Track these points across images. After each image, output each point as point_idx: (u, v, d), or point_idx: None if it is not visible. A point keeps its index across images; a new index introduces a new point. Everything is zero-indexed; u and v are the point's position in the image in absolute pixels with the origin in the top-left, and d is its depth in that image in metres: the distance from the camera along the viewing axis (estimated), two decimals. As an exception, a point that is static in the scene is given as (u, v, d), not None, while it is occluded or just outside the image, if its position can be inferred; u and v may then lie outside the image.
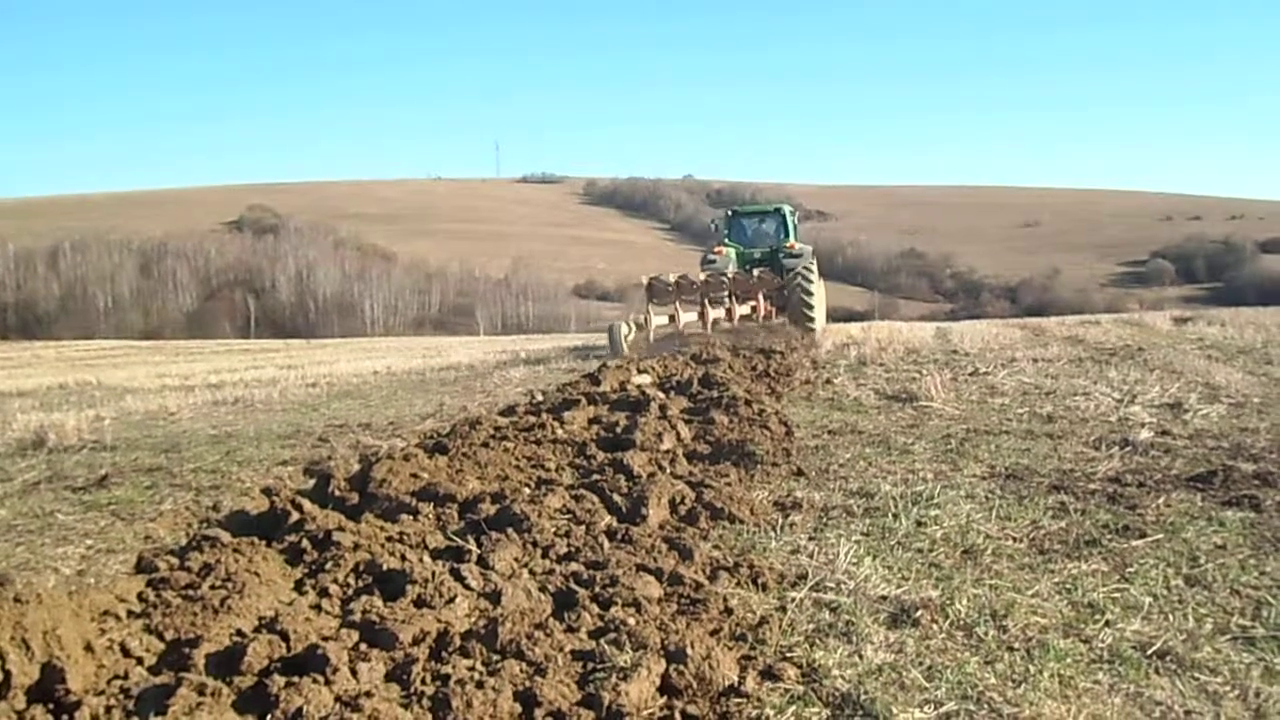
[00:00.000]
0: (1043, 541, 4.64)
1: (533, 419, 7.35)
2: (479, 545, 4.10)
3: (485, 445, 6.37)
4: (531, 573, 3.86)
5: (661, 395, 8.39)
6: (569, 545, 4.20)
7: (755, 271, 19.52)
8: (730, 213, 23.36)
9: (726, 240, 21.74)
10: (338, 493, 5.31)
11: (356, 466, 6.98)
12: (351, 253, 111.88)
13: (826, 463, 6.49)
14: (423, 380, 14.49)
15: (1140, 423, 7.69)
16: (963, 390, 9.71)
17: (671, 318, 17.65)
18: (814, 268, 19.62)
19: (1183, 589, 4.03)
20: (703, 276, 18.81)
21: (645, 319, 17.55)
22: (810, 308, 19.02)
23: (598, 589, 3.64)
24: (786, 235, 21.90)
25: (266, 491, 6.33)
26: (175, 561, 3.94)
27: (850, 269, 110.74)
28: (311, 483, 6.43)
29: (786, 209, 23.09)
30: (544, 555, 4.10)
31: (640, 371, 10.22)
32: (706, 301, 17.95)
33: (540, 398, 9.00)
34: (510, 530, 4.26)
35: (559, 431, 7.02)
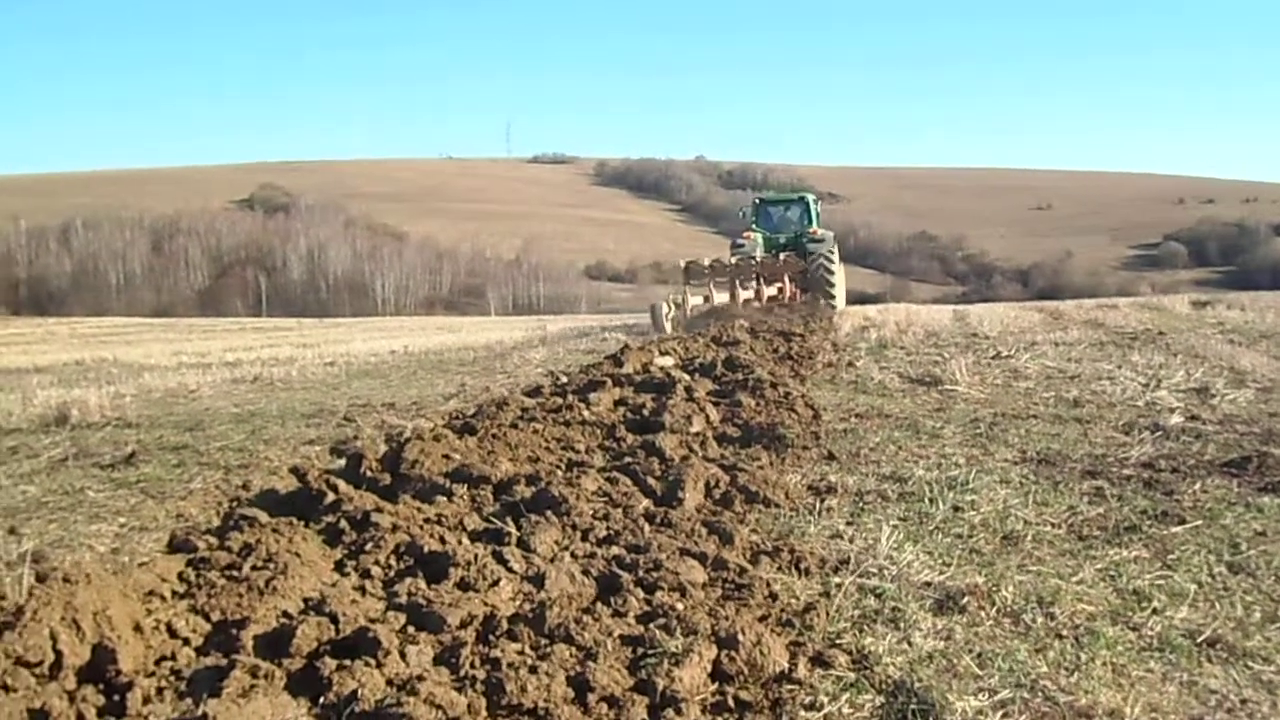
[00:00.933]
0: (1082, 528, 4.61)
1: (559, 400, 7.31)
2: (518, 528, 4.08)
3: (514, 426, 6.35)
4: (573, 556, 3.84)
5: (686, 377, 8.35)
6: (608, 528, 4.17)
7: (781, 256, 20.88)
8: (758, 200, 25.12)
9: (754, 226, 23.12)
10: (370, 473, 5.28)
11: (384, 446, 6.98)
12: (362, 232, 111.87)
13: (856, 446, 6.44)
14: (441, 360, 14.47)
15: (1169, 407, 7.64)
16: (986, 374, 9.64)
17: (706, 297, 18.93)
18: (835, 253, 21.21)
19: (1227, 576, 4.00)
20: (734, 260, 20.10)
21: (683, 298, 18.63)
22: (832, 289, 20.52)
23: (641, 573, 3.62)
24: (810, 222, 23.41)
25: (296, 471, 6.33)
26: (214, 541, 3.92)
27: (862, 251, 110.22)
28: (341, 462, 6.43)
29: (810, 198, 24.62)
30: (583, 538, 4.07)
31: (662, 353, 10.18)
32: (737, 283, 19.29)
33: (565, 379, 8.96)
34: (549, 513, 4.23)
35: (586, 413, 6.99)
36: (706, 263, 19.79)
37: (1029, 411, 7.63)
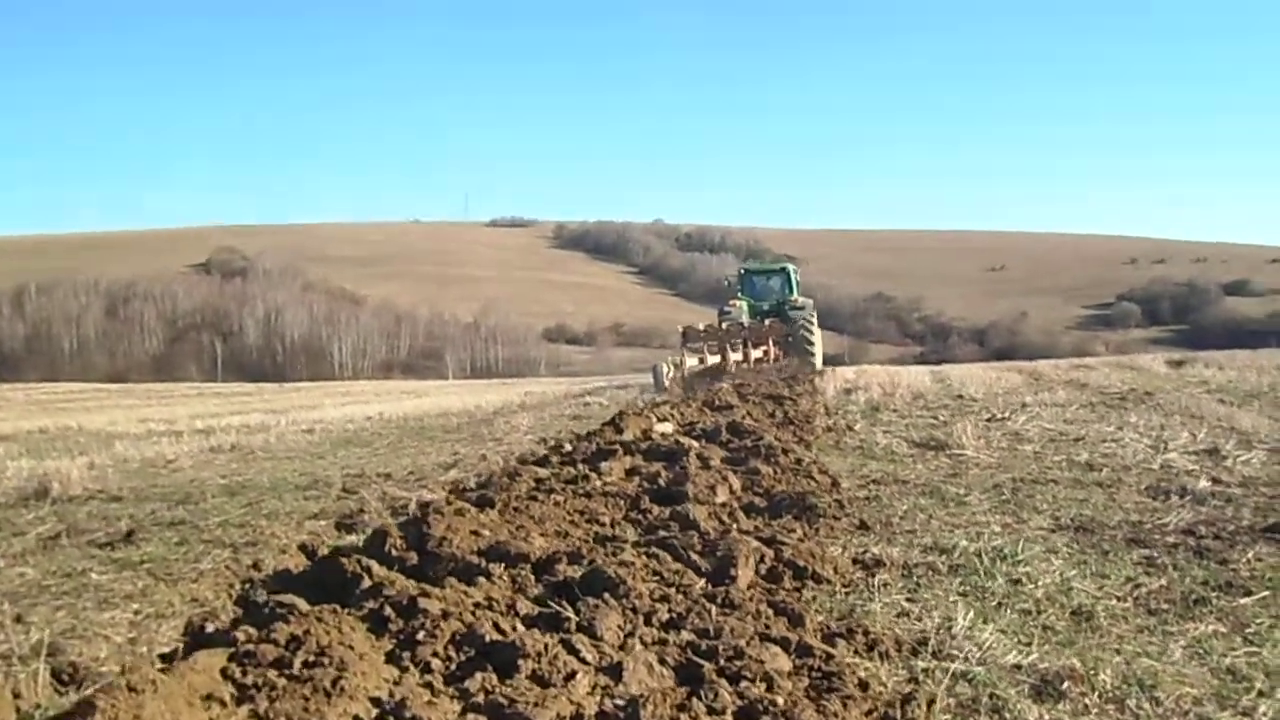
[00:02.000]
0: (1148, 601, 4.45)
1: (572, 470, 7.09)
2: (575, 611, 3.83)
3: (532, 498, 6.11)
4: (643, 643, 3.60)
5: (696, 444, 8.17)
6: (670, 611, 3.93)
7: (766, 321, 23.22)
8: (743, 271, 28.18)
9: (740, 294, 25.56)
10: (395, 552, 5.00)
11: (391, 520, 6.71)
12: (320, 295, 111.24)
13: (886, 515, 6.28)
14: (423, 427, 14.17)
15: (1186, 470, 7.58)
16: (989, 437, 9.55)
17: (701, 359, 20.67)
18: (814, 318, 23.97)
19: (1315, 653, 3.85)
20: (724, 325, 22.32)
21: (681, 359, 20.39)
22: (812, 351, 22.91)
23: (722, 662, 3.39)
24: (790, 290, 26.23)
25: (305, 549, 6.06)
26: (254, 632, 3.63)
27: (820, 312, 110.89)
28: (352, 539, 6.15)
29: (790, 268, 27.72)
30: (646, 622, 3.83)
31: (660, 419, 10.00)
32: (728, 346, 21.07)
33: (569, 447, 8.73)
34: (607, 595, 3.99)
35: (601, 483, 6.77)
36: (701, 327, 21.98)
37: (1047, 476, 7.52)
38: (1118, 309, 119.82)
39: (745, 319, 23.44)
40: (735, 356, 21.00)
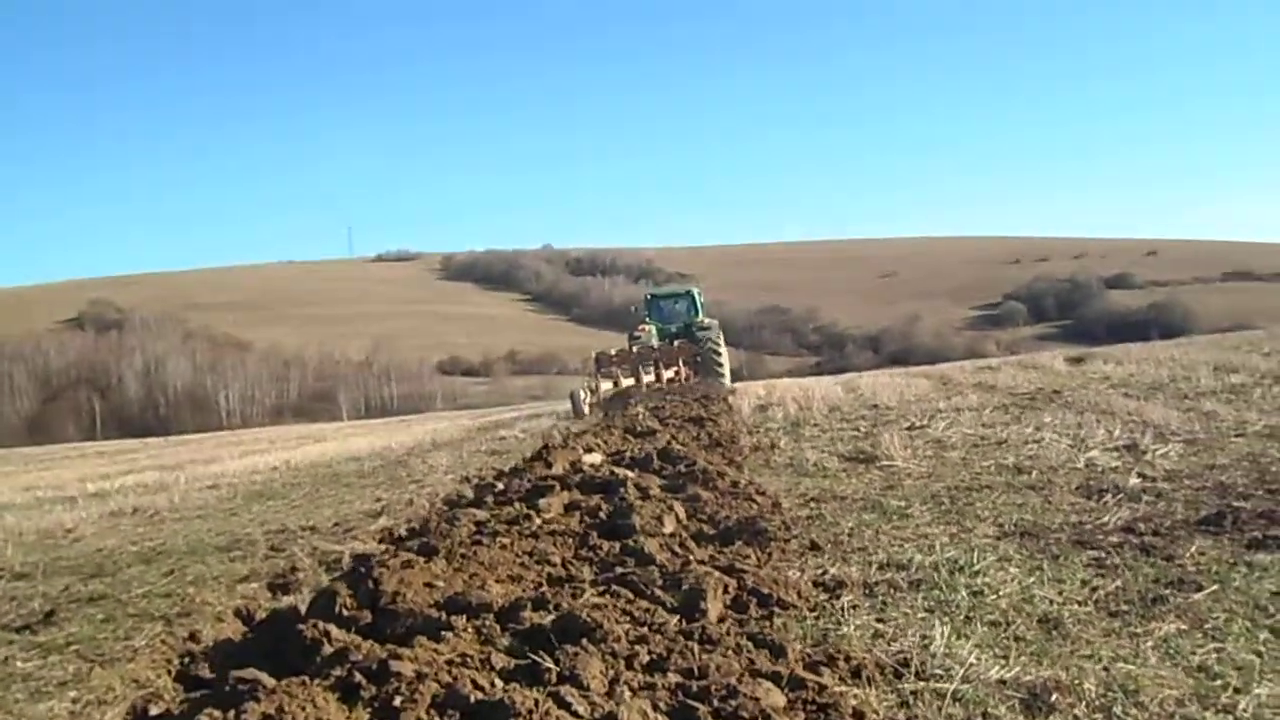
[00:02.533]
0: (1108, 603, 4.52)
1: (511, 510, 6.93)
2: (555, 661, 3.71)
3: (477, 543, 5.94)
4: (630, 689, 3.50)
5: (631, 474, 8.08)
6: (650, 652, 3.84)
7: (675, 343, 24.25)
8: (649, 296, 29.34)
9: (648, 319, 26.52)
10: (346, 611, 4.79)
11: (326, 577, 6.46)
12: (203, 344, 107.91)
13: (833, 533, 6.29)
14: (335, 474, 13.76)
15: (1111, 467, 7.79)
16: (914, 447, 9.69)
17: (615, 382, 21.62)
18: (721, 338, 24.65)
19: (1276, 643, 3.95)
20: (635, 349, 23.20)
21: (596, 384, 21.37)
22: (721, 369, 23.62)
23: (716, 702, 3.31)
24: (696, 312, 27.04)
25: (241, 614, 5.78)
26: (221, 714, 3.41)
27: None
28: (289, 600, 5.89)
29: (695, 291, 28.51)
30: (629, 666, 3.73)
31: (586, 450, 9.89)
32: (640, 369, 22.01)
33: (500, 485, 8.55)
34: (585, 641, 3.87)
35: (541, 522, 6.64)
36: (613, 352, 22.99)
37: (979, 482, 7.64)
38: (1005, 308, 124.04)
39: (655, 342, 24.38)
40: (648, 378, 21.80)
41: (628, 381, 21.66)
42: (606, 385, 21.41)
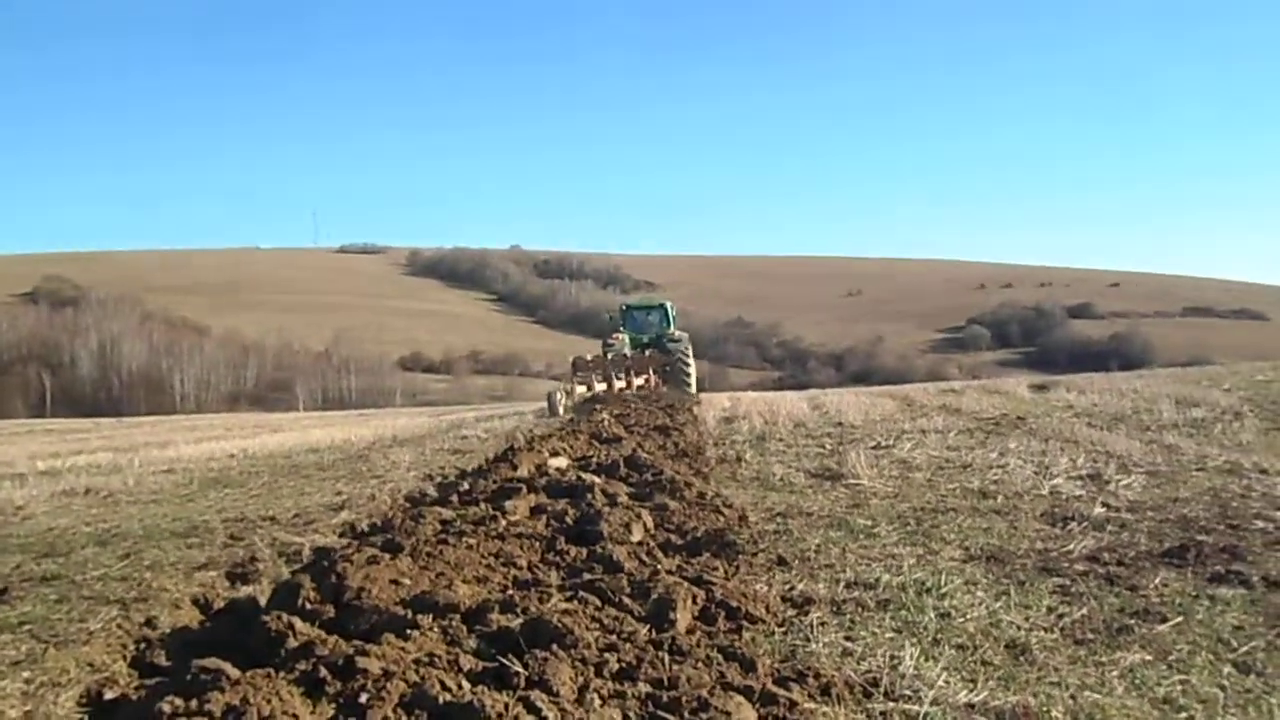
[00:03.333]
0: (1074, 631, 4.55)
1: (478, 510, 6.87)
2: (523, 665, 3.67)
3: (442, 542, 5.88)
4: (600, 697, 3.46)
5: (598, 480, 8.04)
6: (619, 660, 3.80)
7: (647, 352, 26.11)
8: (624, 307, 31.18)
9: (622, 328, 28.31)
10: (309, 605, 4.72)
11: (286, 569, 6.36)
12: (160, 326, 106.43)
13: (800, 549, 6.28)
14: (294, 464, 13.57)
15: (1075, 495, 7.85)
16: (880, 466, 9.72)
17: (589, 386, 22.87)
18: (689, 350, 26.46)
19: (1239, 678, 4.00)
20: (609, 356, 24.84)
21: (571, 388, 22.68)
22: (688, 379, 25.46)
23: (687, 714, 3.29)
24: (668, 324, 29.06)
25: (198, 603, 5.67)
26: (183, 703, 3.33)
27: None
28: (249, 589, 5.80)
29: (668, 304, 30.66)
30: (598, 673, 3.69)
31: (553, 454, 9.83)
32: (612, 375, 23.29)
33: (466, 485, 8.47)
34: (555, 646, 3.83)
35: (506, 524, 6.59)
36: (589, 358, 24.42)
37: (945, 505, 7.67)
38: (969, 332, 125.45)
39: (628, 350, 26.12)
40: (619, 384, 23.11)
41: (600, 386, 22.81)
42: (581, 389, 22.67)
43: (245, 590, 5.82)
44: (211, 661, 3.75)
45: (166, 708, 3.30)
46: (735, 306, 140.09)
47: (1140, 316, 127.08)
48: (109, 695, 4.15)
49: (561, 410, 20.74)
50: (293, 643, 3.98)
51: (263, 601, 5.21)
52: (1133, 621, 4.65)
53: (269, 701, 3.19)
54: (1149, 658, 4.20)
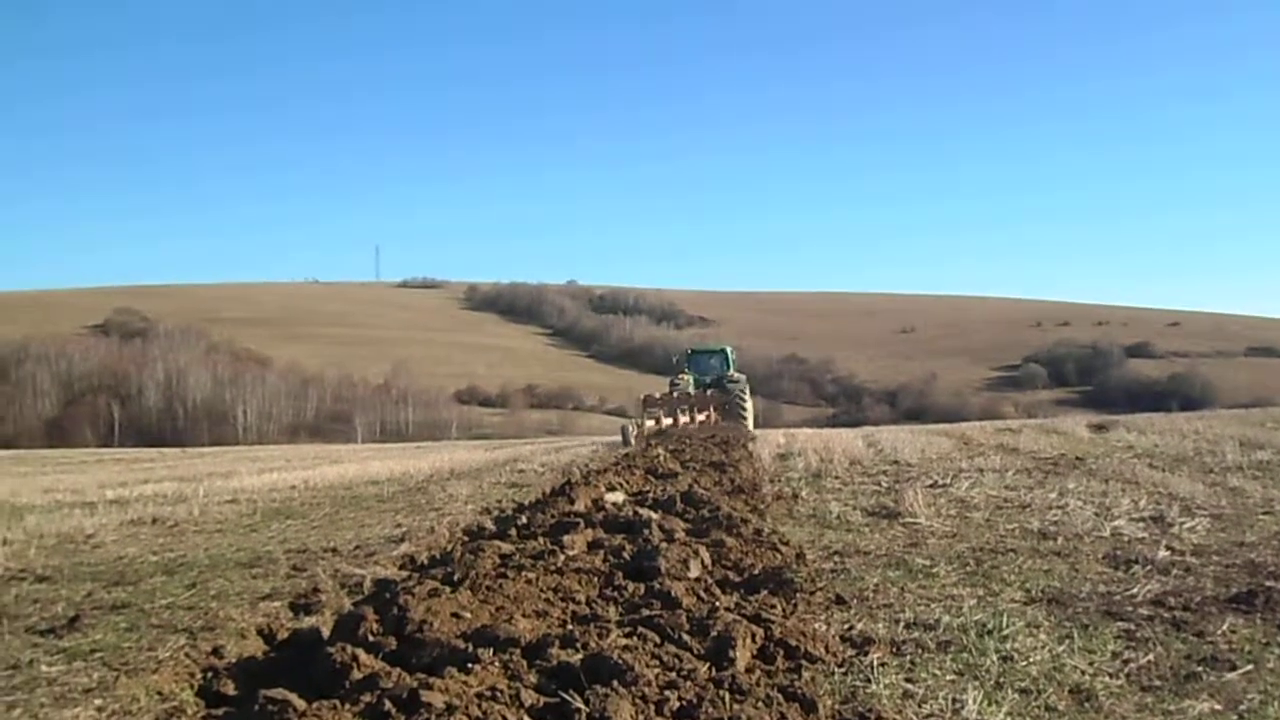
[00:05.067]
0: (1140, 677, 4.47)
1: (536, 544, 6.93)
2: (585, 702, 3.70)
3: (502, 575, 5.94)
4: (662, 735, 3.49)
5: (655, 515, 8.06)
6: (680, 699, 3.82)
7: (709, 391, 29.46)
8: (690, 351, 35.61)
9: (686, 369, 31.88)
10: (371, 636, 4.80)
11: (348, 600, 6.46)
12: (224, 357, 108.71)
13: (859, 588, 6.25)
14: (355, 496, 13.77)
15: (1138, 538, 7.72)
16: (938, 505, 9.64)
17: (657, 420, 25.40)
18: (747, 390, 30.56)
19: (1311, 729, 3.91)
20: (675, 394, 27.92)
21: (641, 422, 24.99)
22: (745, 416, 28.74)
23: (748, 754, 3.29)
24: (728, 367, 33.10)
25: (263, 633, 5.78)
26: (253, 735, 3.42)
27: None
28: (312, 620, 5.89)
29: (728, 349, 35.19)
30: (658, 711, 3.71)
31: (610, 489, 9.88)
32: (678, 411, 26.13)
33: (524, 519, 8.54)
34: (615, 682, 3.86)
35: (565, 558, 6.63)
36: (658, 396, 27.66)
37: (1004, 546, 7.59)
38: (1025, 370, 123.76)
39: (691, 389, 29.22)
40: (684, 419, 25.74)
41: (667, 421, 25.39)
42: (650, 423, 25.04)
43: (309, 621, 5.91)
44: (278, 692, 3.83)
45: (237, 737, 3.38)
46: (789, 343, 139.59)
47: (1200, 356, 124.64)
48: (182, 725, 4.26)
49: (633, 441, 22.36)
50: (357, 675, 4.05)
51: (326, 633, 5.30)
52: (1200, 669, 4.56)
53: (336, 733, 3.26)
54: (1218, 707, 4.12)
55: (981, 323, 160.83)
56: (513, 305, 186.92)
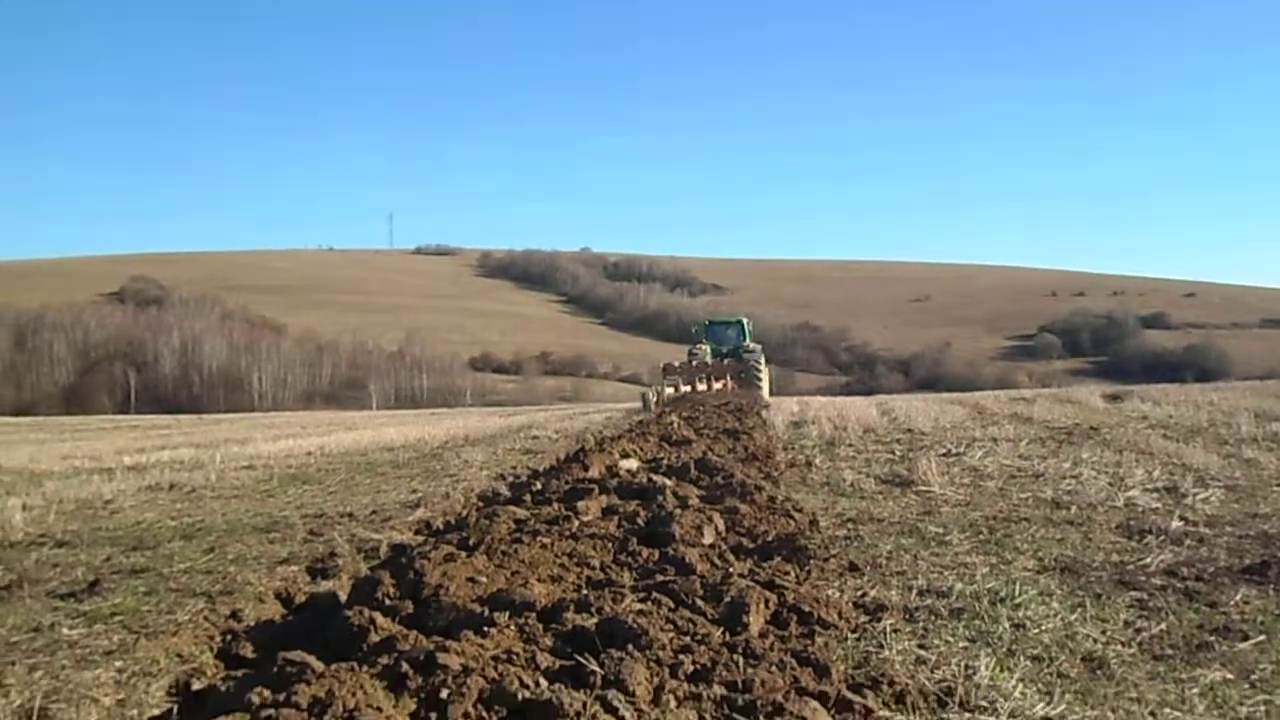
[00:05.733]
0: (1152, 646, 4.48)
1: (551, 510, 6.98)
2: (600, 665, 3.73)
3: (516, 540, 5.99)
4: (676, 698, 3.52)
5: (669, 482, 8.10)
6: (694, 662, 3.85)
7: (726, 360, 30.75)
8: (707, 322, 37.00)
9: (704, 340, 33.34)
10: (388, 600, 4.85)
11: (364, 565, 6.52)
12: (240, 325, 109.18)
13: (872, 556, 6.28)
14: (369, 462, 13.86)
15: (1151, 508, 7.72)
16: (951, 474, 9.64)
17: (676, 387, 27.01)
18: (763, 359, 31.75)
19: (1326, 698, 3.91)
20: (694, 363, 29.44)
21: (661, 389, 26.31)
22: (760, 384, 29.63)
23: (762, 718, 3.33)
24: (744, 337, 34.34)
25: (280, 596, 5.85)
26: (270, 694, 3.46)
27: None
28: (325, 584, 5.95)
29: (744, 320, 36.52)
30: (673, 675, 3.74)
31: (624, 456, 9.93)
32: (696, 379, 27.76)
33: (539, 485, 8.59)
34: (630, 646, 3.89)
35: (578, 523, 6.68)
36: (677, 364, 29.40)
37: (1018, 515, 7.60)
38: (1039, 340, 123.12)
39: (709, 358, 30.56)
40: (701, 387, 27.20)
41: (686, 388, 26.90)
42: (670, 390, 26.44)
43: (326, 585, 5.97)
44: (296, 654, 3.88)
45: (255, 699, 3.43)
46: (802, 310, 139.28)
47: (1215, 328, 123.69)
48: (197, 686, 4.32)
49: (654, 407, 23.38)
50: (374, 638, 4.10)
51: (343, 597, 5.37)
52: (1213, 639, 4.56)
53: (353, 695, 3.30)
54: (1230, 676, 4.12)
55: (996, 292, 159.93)
56: (526, 272, 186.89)
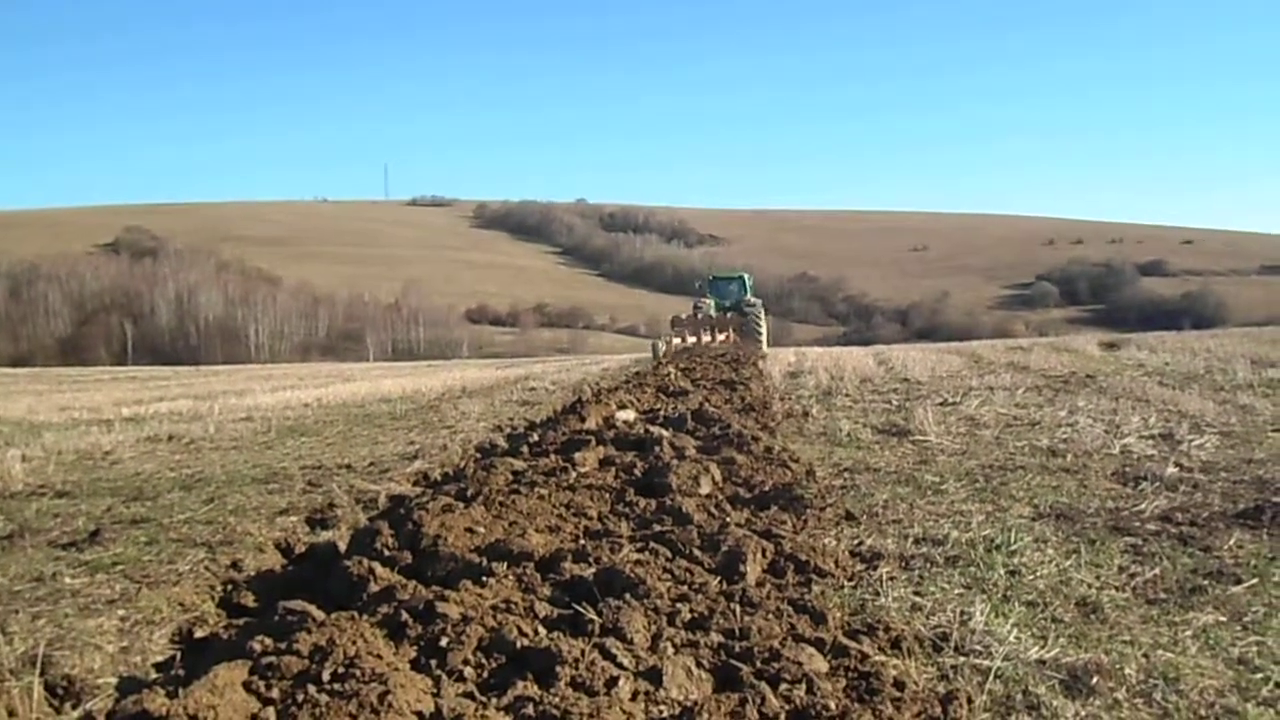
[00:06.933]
0: (1146, 590, 4.52)
1: (548, 461, 7.00)
2: (598, 613, 3.76)
3: (514, 491, 6.02)
4: (674, 645, 3.55)
5: (666, 433, 8.12)
6: (692, 610, 3.88)
7: (728, 314, 31.68)
8: (711, 277, 38.08)
9: (707, 294, 34.32)
10: (387, 550, 4.87)
11: (363, 516, 6.55)
12: (235, 276, 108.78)
13: (868, 505, 6.31)
14: (367, 414, 13.87)
15: (1146, 455, 7.75)
16: (948, 423, 9.67)
17: (683, 338, 28.58)
18: (763, 313, 32.22)
19: (1317, 640, 3.96)
20: (699, 316, 30.39)
21: (669, 340, 28.09)
22: (760, 337, 30.65)
23: (759, 664, 3.36)
24: (745, 292, 35.14)
25: (280, 546, 5.88)
26: (272, 642, 3.49)
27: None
28: (325, 535, 5.99)
29: (746, 276, 37.55)
30: (671, 623, 3.78)
31: (620, 407, 9.94)
32: (700, 331, 29.13)
33: (535, 436, 8.61)
34: (628, 595, 3.92)
35: (575, 474, 6.71)
36: (684, 317, 30.22)
37: (1014, 463, 7.63)
38: (1037, 289, 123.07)
39: (713, 312, 31.49)
40: (706, 339, 28.57)
41: (691, 339, 28.24)
42: (677, 341, 27.92)
43: (325, 535, 6.01)
44: (297, 603, 3.91)
45: (257, 646, 3.46)
46: (800, 261, 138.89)
47: (1213, 275, 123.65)
48: (199, 634, 4.36)
49: (662, 357, 24.43)
50: (374, 587, 4.13)
51: (342, 547, 5.40)
52: (1206, 582, 4.61)
53: (354, 643, 3.32)
54: (1223, 618, 4.17)
55: (994, 240, 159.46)
56: (522, 224, 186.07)
